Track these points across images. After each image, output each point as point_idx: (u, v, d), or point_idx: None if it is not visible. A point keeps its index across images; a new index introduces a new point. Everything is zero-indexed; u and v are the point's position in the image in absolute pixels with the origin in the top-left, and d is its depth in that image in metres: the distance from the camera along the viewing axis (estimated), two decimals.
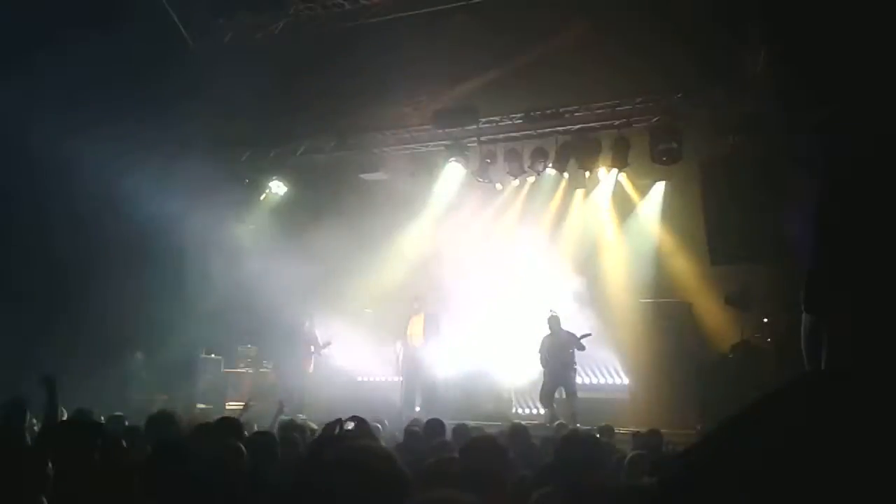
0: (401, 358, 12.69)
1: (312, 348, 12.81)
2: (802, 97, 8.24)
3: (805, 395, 0.80)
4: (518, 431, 6.36)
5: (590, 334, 11.15)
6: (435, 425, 6.60)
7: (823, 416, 0.75)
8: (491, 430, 6.36)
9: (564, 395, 10.95)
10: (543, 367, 11.25)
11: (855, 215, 0.84)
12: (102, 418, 7.39)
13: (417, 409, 11.76)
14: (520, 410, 12.20)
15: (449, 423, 7.72)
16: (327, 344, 12.79)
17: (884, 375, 0.78)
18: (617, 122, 12.30)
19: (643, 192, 13.45)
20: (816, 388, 0.81)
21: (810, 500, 0.70)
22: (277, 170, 14.49)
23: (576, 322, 11.94)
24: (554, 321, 11.31)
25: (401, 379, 12.66)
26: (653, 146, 11.91)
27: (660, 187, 13.23)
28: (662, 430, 7.55)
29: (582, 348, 11.07)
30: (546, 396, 11.04)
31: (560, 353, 11.06)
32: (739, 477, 0.74)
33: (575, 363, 11.10)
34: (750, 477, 0.73)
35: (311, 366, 12.83)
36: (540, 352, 11.30)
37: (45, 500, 2.15)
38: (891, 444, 0.70)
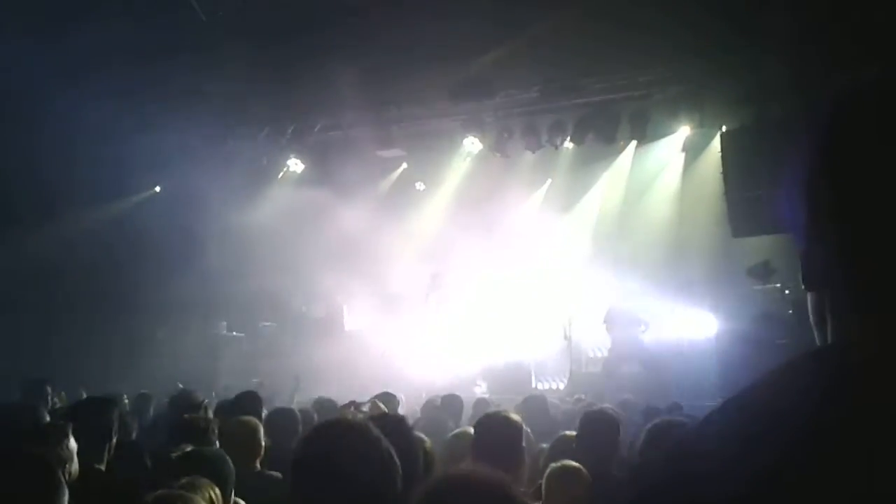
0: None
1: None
2: (829, 64, 8.09)
3: (809, 370, 0.78)
4: (532, 402, 6.37)
5: (673, 310, 11.15)
6: (452, 401, 6.62)
7: (827, 390, 0.74)
8: (510, 405, 6.37)
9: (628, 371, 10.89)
10: (609, 336, 11.27)
11: (848, 182, 0.81)
12: (126, 398, 7.52)
13: (438, 383, 11.80)
14: (539, 385, 12.20)
15: (468, 399, 7.77)
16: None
17: (884, 349, 0.76)
18: (636, 94, 12.15)
19: (663, 163, 13.33)
20: (819, 363, 0.79)
21: (817, 471, 0.69)
22: (295, 148, 14.50)
23: (596, 294, 11.97)
24: (625, 292, 11.32)
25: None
26: (672, 117, 11.77)
27: (681, 158, 13.11)
28: (682, 404, 7.53)
29: (651, 325, 11.05)
30: (608, 370, 10.97)
31: (627, 325, 11.02)
32: (745, 450, 0.73)
33: (642, 339, 11.04)
34: (755, 450, 0.72)
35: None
36: (605, 321, 11.28)
37: (62, 476, 2.18)
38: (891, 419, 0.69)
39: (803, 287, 0.88)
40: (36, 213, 11.90)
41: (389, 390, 6.65)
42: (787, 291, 10.20)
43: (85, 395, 6.58)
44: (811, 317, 0.90)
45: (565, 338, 12.00)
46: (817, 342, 0.88)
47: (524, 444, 3.55)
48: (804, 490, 0.68)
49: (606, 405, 6.38)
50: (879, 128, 0.78)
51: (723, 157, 11.32)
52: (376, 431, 2.00)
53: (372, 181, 14.75)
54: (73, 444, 3.27)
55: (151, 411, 7.29)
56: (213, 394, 9.17)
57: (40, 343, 10.64)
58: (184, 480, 2.58)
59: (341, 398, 6.75)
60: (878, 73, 0.82)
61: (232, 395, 6.12)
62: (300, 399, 8.57)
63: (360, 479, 1.88)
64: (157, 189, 14.42)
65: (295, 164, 14.63)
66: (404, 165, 14.97)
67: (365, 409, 4.86)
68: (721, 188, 11.41)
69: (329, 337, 13.06)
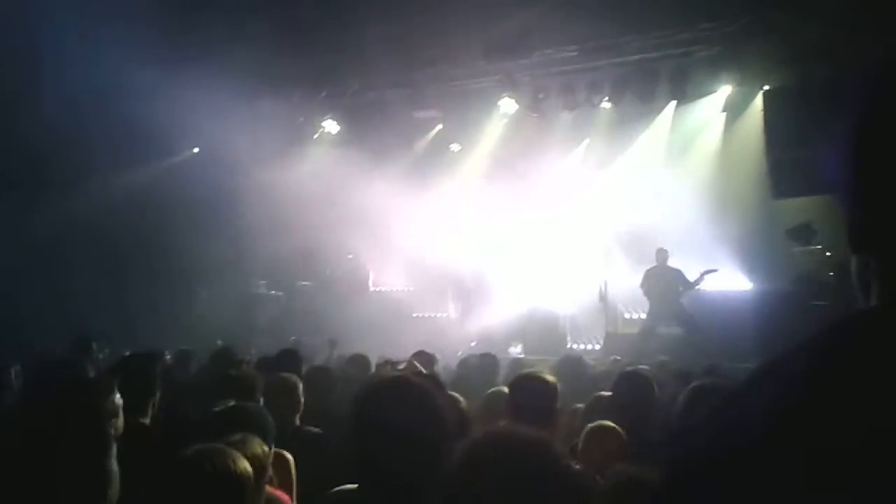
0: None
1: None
2: (877, 21, 7.81)
3: (851, 331, 0.78)
4: (568, 362, 6.37)
5: (715, 270, 10.89)
6: (488, 360, 6.66)
7: (868, 351, 0.74)
8: (546, 366, 6.40)
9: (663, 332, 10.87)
10: (648, 300, 11.23)
11: (888, 149, 0.80)
12: (168, 354, 7.67)
13: (473, 343, 11.89)
14: (574, 346, 12.23)
15: (504, 358, 7.81)
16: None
17: None
18: (676, 52, 11.88)
19: (704, 122, 13.09)
20: (862, 324, 0.79)
21: (854, 432, 0.69)
22: (330, 109, 14.51)
23: (634, 255, 11.88)
24: (661, 255, 11.19)
25: (456, 314, 12.83)
26: (713, 76, 11.53)
27: (722, 118, 12.85)
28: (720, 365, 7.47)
29: (692, 287, 10.89)
30: (644, 333, 10.97)
31: (665, 289, 10.94)
32: (777, 416, 0.73)
33: (681, 301, 10.89)
34: (792, 412, 0.72)
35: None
36: (642, 286, 11.23)
37: (110, 429, 2.25)
38: None
39: (848, 249, 0.88)
40: (79, 175, 12.10)
41: (425, 349, 6.72)
42: (828, 254, 10.03)
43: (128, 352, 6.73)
44: (854, 280, 0.89)
45: (601, 299, 11.98)
46: (861, 305, 0.87)
47: (558, 403, 3.57)
48: (825, 458, 0.68)
49: (642, 366, 6.38)
50: None
51: (765, 117, 11.08)
52: (435, 391, 2.06)
53: (407, 142, 14.74)
54: (118, 398, 3.34)
55: (192, 367, 7.43)
56: (253, 350, 9.34)
57: (83, 303, 10.88)
58: (237, 437, 2.61)
59: (375, 357, 6.85)
60: None
61: (269, 352, 6.23)
62: (338, 358, 8.69)
63: (420, 437, 1.94)
64: (196, 150, 14.58)
65: (330, 125, 14.65)
66: (439, 126, 14.90)
67: (401, 367, 4.92)
68: (762, 148, 11.20)
69: (358, 297, 13.24)
